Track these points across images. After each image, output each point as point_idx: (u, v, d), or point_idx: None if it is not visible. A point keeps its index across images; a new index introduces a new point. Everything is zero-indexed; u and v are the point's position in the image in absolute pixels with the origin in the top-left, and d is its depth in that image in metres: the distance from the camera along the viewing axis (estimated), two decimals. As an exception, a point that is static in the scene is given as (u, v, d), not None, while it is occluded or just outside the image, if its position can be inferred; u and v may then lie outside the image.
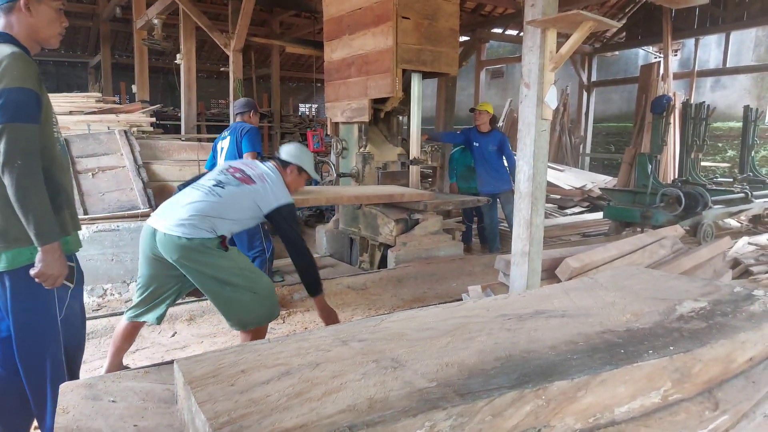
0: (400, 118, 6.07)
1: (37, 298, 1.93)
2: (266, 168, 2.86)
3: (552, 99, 2.84)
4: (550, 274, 3.74)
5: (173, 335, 3.89)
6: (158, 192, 5.33)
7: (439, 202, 5.12)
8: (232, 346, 1.40)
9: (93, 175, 5.02)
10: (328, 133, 6.31)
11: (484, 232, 6.67)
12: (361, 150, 5.68)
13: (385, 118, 5.92)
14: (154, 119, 6.34)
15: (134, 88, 9.75)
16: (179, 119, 10.32)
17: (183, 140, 6.75)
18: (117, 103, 6.70)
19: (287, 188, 2.86)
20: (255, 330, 2.77)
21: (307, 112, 19.88)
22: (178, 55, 7.55)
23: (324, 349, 1.35)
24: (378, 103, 5.55)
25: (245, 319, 2.70)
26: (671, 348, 1.32)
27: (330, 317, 2.89)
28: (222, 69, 9.80)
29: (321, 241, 6.39)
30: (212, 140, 6.68)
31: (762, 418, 1.54)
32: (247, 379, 1.19)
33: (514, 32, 10.36)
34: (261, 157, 4.21)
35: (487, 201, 5.66)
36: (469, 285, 4.75)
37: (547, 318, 1.56)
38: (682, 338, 1.39)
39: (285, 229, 2.71)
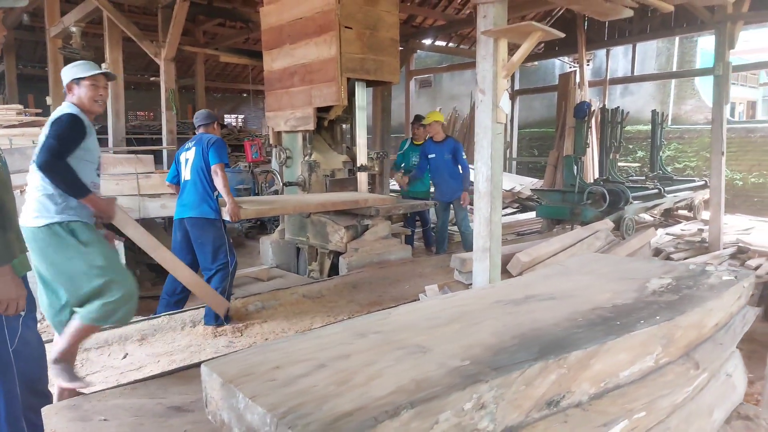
0: (343, 126, 6.15)
1: None
2: (57, 110, 2.84)
3: (506, 104, 3.03)
4: (502, 269, 3.95)
5: (125, 357, 3.72)
6: (94, 208, 5.07)
7: (390, 206, 5.23)
8: (252, 347, 1.41)
9: (21, 192, 4.69)
10: (271, 142, 6.26)
11: (427, 235, 6.87)
12: (307, 158, 5.69)
13: (328, 126, 5.97)
14: (83, 132, 5.99)
15: (49, 99, 9.13)
16: (100, 132, 9.77)
17: (112, 153, 6.44)
18: (39, 116, 6.26)
19: (79, 107, 2.78)
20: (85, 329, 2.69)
21: (234, 123, 19.44)
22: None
23: (345, 342, 1.40)
24: (321, 111, 5.59)
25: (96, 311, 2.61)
26: (657, 317, 1.48)
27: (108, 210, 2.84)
28: (152, 79, 9.42)
29: (266, 252, 6.31)
30: (146, 153, 6.45)
31: (725, 376, 1.75)
32: (284, 374, 1.21)
33: (443, 43, 10.74)
34: (227, 166, 4.14)
35: (434, 204, 5.85)
36: (420, 286, 4.90)
37: (539, 301, 1.69)
38: (661, 309, 1.56)
39: (48, 135, 2.66)
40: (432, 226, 7.24)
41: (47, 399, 2.11)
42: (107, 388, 2.10)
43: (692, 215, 8.85)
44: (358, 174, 5.75)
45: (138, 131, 14.40)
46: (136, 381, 2.24)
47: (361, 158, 5.68)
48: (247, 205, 4.52)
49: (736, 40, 6.02)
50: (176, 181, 4.31)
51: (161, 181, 5.56)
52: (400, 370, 1.20)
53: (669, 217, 8.84)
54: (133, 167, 5.45)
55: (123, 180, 5.31)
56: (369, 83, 5.72)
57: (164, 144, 7.46)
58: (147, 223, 5.95)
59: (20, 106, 5.85)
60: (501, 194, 3.21)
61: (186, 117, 15.20)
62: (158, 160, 8.20)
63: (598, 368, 1.31)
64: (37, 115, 6.25)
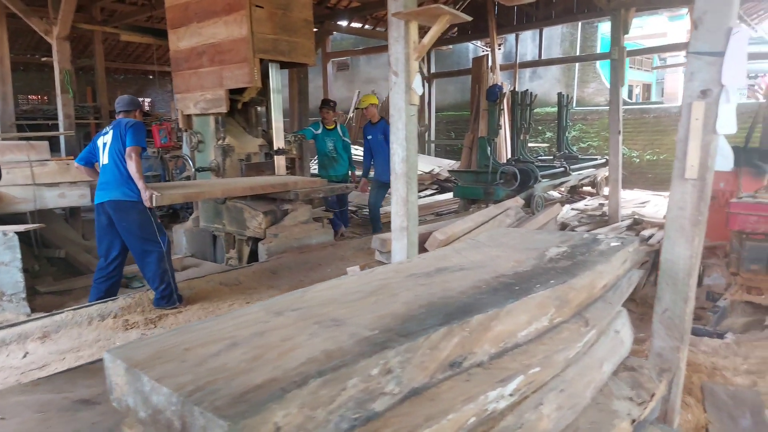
0: (258, 108, 6.01)
1: None
2: None
3: (418, 85, 3.09)
4: (420, 248, 4.08)
5: (25, 356, 3.49)
6: (-18, 199, 4.65)
7: (310, 190, 5.20)
8: (166, 331, 1.38)
9: None
10: (180, 126, 6.00)
11: (345, 217, 6.92)
12: (220, 142, 5.53)
13: (242, 109, 5.81)
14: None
15: None
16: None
17: (1, 140, 5.92)
18: None
19: None
20: None
21: (141, 107, 18.35)
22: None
23: (262, 321, 1.40)
24: (234, 93, 5.44)
25: None
26: (552, 282, 1.60)
27: None
28: (44, 60, 8.61)
29: (180, 241, 6.09)
30: (40, 139, 5.97)
31: (614, 333, 1.93)
32: (195, 355, 1.20)
33: (358, 25, 10.71)
34: (144, 150, 4.02)
35: (354, 187, 5.88)
36: (342, 269, 4.94)
37: (450, 272, 1.77)
38: (557, 274, 1.69)
39: None
40: (355, 209, 7.29)
41: None
42: (6, 388, 1.96)
43: (595, 191, 9.50)
44: (276, 158, 5.66)
45: (31, 116, 13.28)
46: (41, 378, 2.11)
47: (278, 141, 5.59)
48: (173, 190, 4.44)
49: (629, 26, 6.47)
50: (84, 162, 4.17)
51: (58, 169, 5.21)
52: (313, 344, 1.22)
53: (575, 193, 9.44)
54: (26, 154, 5.05)
55: (14, 168, 4.91)
56: (283, 65, 5.62)
57: (61, 129, 6.93)
58: (45, 214, 5.55)
59: None
60: (416, 175, 3.29)
61: (85, 100, 14.19)
62: (56, 147, 7.62)
63: (499, 329, 1.40)
64: None
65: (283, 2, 5.21)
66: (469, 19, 3.10)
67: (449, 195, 8.89)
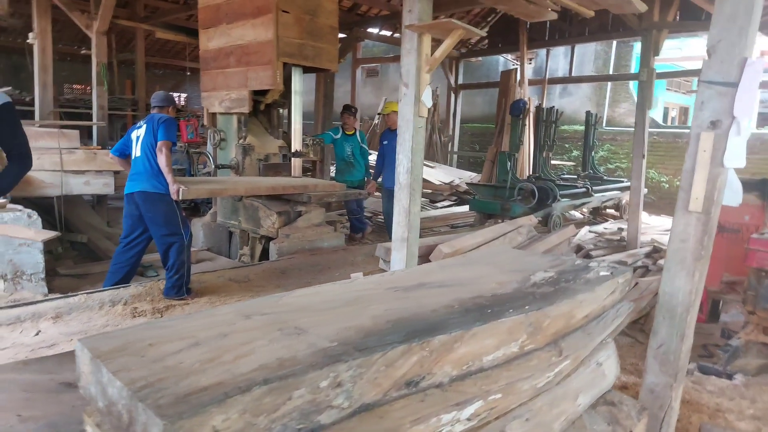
0: (281, 110, 6.11)
1: None
2: None
3: (428, 98, 3.12)
4: (425, 260, 4.08)
5: (37, 334, 3.62)
6: (11, 182, 4.83)
7: (323, 194, 5.26)
8: (138, 324, 1.43)
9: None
10: (204, 123, 6.15)
11: (356, 223, 6.96)
12: (241, 141, 5.64)
13: (265, 110, 5.93)
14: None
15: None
16: (28, 104, 9.31)
17: (38, 127, 6.14)
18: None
19: None
20: None
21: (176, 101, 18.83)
22: (30, 34, 6.83)
23: (229, 323, 1.43)
24: (258, 94, 5.55)
25: None
26: (527, 307, 1.59)
27: None
28: (84, 51, 8.94)
29: (198, 234, 6.23)
30: (74, 128, 6.19)
31: (595, 365, 1.91)
32: (157, 350, 1.24)
33: (388, 33, 10.78)
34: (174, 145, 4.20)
35: (367, 194, 5.92)
36: (351, 274, 4.97)
37: (429, 288, 1.78)
38: (535, 300, 1.68)
39: None
40: (370, 215, 7.32)
41: None
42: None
43: (619, 214, 9.32)
44: (293, 159, 5.74)
45: (73, 104, 13.80)
46: (31, 359, 2.19)
47: (296, 144, 5.68)
48: (199, 185, 4.59)
49: (660, 48, 6.35)
50: (118, 154, 4.39)
51: (86, 158, 5.38)
52: (270, 350, 1.24)
53: (598, 215, 9.28)
54: (56, 141, 5.24)
55: (44, 154, 5.10)
56: (307, 69, 5.70)
57: (95, 119, 7.17)
58: (71, 200, 5.74)
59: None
60: (420, 186, 3.30)
61: (124, 92, 14.62)
62: (90, 136, 7.89)
63: (463, 352, 1.40)
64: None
65: (310, 8, 5.29)
66: (483, 34, 3.11)
67: (467, 207, 8.84)
